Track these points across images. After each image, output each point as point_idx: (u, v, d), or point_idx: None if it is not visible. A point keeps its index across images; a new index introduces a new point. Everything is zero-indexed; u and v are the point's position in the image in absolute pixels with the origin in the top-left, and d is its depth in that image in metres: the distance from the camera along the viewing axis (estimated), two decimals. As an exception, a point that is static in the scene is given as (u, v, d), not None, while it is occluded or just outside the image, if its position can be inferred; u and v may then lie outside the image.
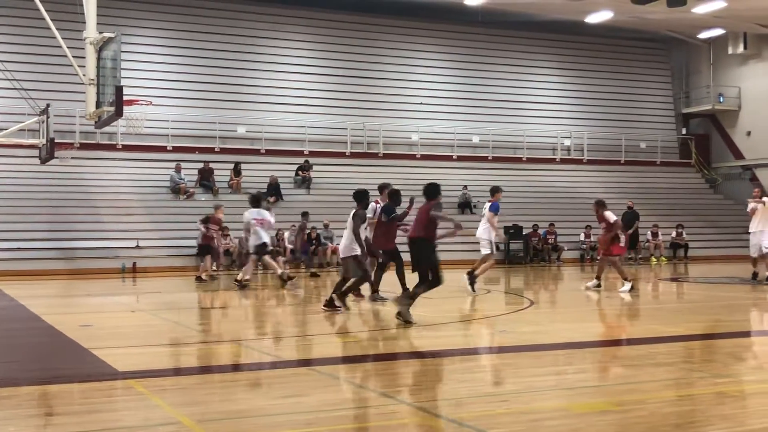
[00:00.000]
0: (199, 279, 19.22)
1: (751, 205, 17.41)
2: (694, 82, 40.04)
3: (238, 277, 16.98)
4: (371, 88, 34.44)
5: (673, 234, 30.67)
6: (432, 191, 10.94)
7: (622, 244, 16.18)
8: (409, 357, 8.46)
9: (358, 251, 12.10)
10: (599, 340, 9.69)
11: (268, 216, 17.26)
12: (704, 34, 37.40)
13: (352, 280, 12.34)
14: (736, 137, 38.49)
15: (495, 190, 15.75)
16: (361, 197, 12.67)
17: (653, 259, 29.47)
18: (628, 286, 15.30)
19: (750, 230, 17.46)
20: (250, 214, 17.04)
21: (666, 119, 39.99)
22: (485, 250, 15.58)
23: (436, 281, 10.62)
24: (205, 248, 20.02)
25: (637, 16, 32.94)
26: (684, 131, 40.43)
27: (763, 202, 17.18)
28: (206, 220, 20.05)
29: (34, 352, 9.08)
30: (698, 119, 40.61)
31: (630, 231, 28.99)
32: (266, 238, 17.28)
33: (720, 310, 13.02)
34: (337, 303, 12.09)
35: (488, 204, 15.76)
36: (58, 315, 12.59)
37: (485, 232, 15.55)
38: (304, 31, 34.03)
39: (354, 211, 12.33)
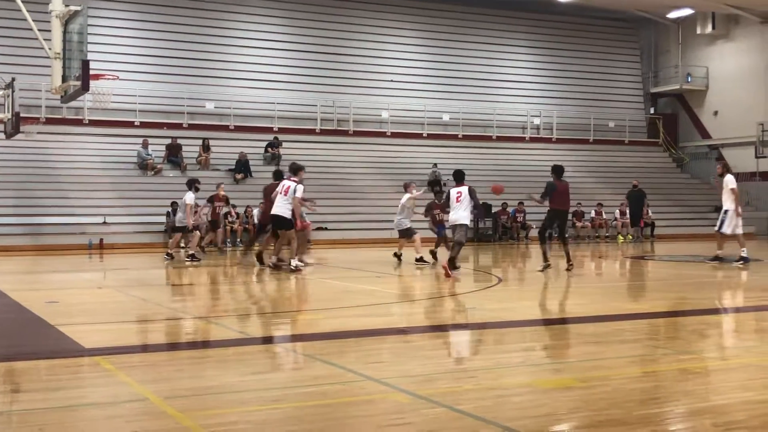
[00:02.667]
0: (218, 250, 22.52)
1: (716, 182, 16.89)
2: (662, 62, 40.29)
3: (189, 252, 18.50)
4: (341, 64, 34.26)
5: (641, 213, 30.94)
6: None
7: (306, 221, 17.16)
8: (377, 334, 8.49)
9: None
10: (566, 317, 9.78)
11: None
12: (673, 14, 37.57)
13: (457, 243, 14.17)
14: (703, 117, 38.84)
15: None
16: (463, 176, 14.64)
17: (620, 237, 29.73)
18: (294, 262, 15.22)
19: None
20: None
21: (634, 98, 40.26)
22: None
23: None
24: (214, 223, 22.24)
25: (607, -5, 33.04)
26: (652, 110, 40.74)
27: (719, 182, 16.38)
28: (211, 199, 21.85)
29: (0, 328, 9.00)
30: (666, 99, 40.90)
31: (644, 209, 29.29)
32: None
33: (685, 288, 13.20)
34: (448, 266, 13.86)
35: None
36: (24, 291, 12.49)
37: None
38: (274, 6, 33.72)
39: (467, 187, 14.24)
